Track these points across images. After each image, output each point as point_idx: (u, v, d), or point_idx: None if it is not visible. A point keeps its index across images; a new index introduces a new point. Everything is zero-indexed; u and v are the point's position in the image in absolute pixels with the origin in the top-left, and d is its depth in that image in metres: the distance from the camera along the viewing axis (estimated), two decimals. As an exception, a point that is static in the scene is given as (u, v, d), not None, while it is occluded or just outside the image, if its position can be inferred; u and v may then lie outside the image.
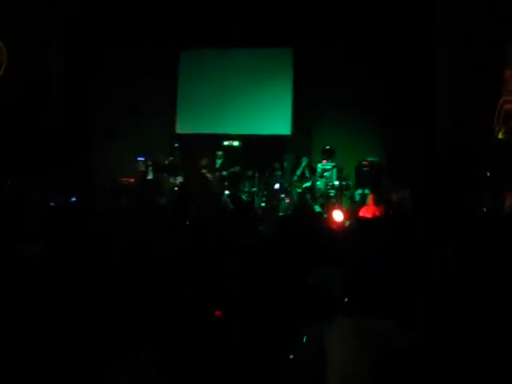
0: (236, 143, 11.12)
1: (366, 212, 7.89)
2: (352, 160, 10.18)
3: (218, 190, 9.90)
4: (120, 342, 2.43)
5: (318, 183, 10.05)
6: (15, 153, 8.88)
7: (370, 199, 8.31)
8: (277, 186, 10.20)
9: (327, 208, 9.29)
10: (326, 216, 8.39)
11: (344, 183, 9.93)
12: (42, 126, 9.92)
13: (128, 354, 2.40)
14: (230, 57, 11.42)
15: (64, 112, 10.39)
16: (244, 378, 2.45)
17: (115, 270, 2.60)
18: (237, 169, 10.63)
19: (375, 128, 10.50)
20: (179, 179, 10.14)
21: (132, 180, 10.11)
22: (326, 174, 10.02)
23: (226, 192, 10.07)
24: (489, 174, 7.38)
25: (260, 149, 10.86)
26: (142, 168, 10.50)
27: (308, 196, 9.90)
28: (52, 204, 6.00)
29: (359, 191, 9.82)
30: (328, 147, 10.16)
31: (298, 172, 10.32)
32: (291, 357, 2.35)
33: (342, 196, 9.89)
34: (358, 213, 8.13)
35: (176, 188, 9.78)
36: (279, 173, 10.47)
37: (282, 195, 10.20)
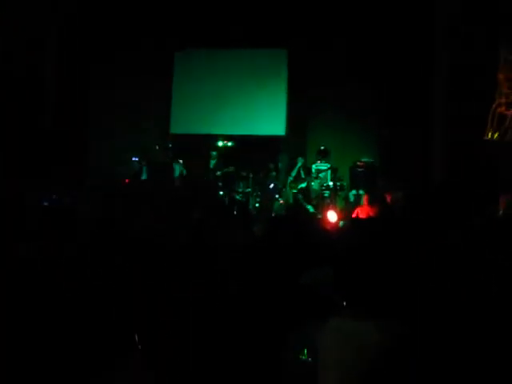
0: (230, 143, 11.12)
1: (360, 213, 7.93)
2: (346, 161, 10.22)
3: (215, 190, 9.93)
4: (120, 341, 2.44)
5: (312, 184, 10.08)
6: (12, 153, 8.85)
7: (364, 200, 8.35)
8: (271, 185, 10.23)
9: (321, 208, 9.32)
10: (320, 216, 8.42)
11: (338, 184, 9.97)
12: (39, 126, 9.90)
13: (128, 353, 2.41)
14: (225, 57, 11.43)
15: (61, 112, 10.37)
16: (241, 378, 2.46)
17: (115, 269, 2.60)
18: (231, 169, 10.65)
19: (370, 129, 10.55)
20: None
21: (127, 180, 10.11)
22: (320, 174, 10.05)
23: (221, 192, 10.10)
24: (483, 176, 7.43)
25: (254, 149, 10.87)
26: (137, 168, 10.50)
27: (300, 196, 9.93)
28: (45, 204, 5.99)
29: (353, 192, 9.87)
30: (323, 148, 10.19)
31: (294, 173, 10.34)
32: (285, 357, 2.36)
33: (336, 196, 9.93)
34: (352, 213, 8.17)
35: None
36: (274, 173, 10.49)
37: (276, 195, 10.23)
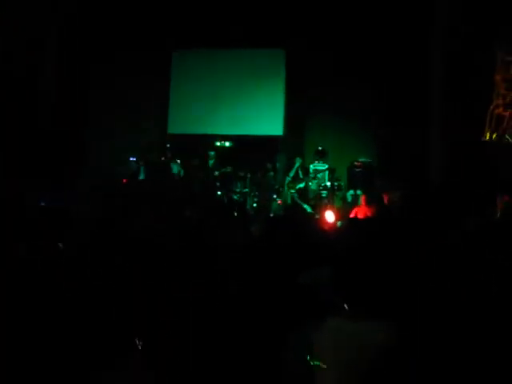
0: (228, 143, 11.12)
1: (357, 213, 7.94)
2: (344, 161, 10.23)
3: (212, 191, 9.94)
4: (120, 341, 2.44)
5: (310, 184, 10.08)
6: (11, 152, 8.84)
7: (361, 200, 8.36)
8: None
9: (319, 209, 9.32)
10: (317, 217, 8.42)
11: (336, 184, 9.97)
12: (39, 126, 9.89)
13: (128, 353, 2.41)
14: (223, 57, 11.42)
15: (60, 112, 10.36)
16: (241, 378, 2.46)
17: (115, 269, 2.60)
18: (229, 169, 10.64)
19: (367, 129, 10.54)
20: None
21: (124, 180, 10.10)
22: (318, 175, 10.05)
23: (218, 192, 10.09)
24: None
25: (252, 149, 10.86)
26: (134, 168, 10.49)
27: (296, 196, 9.93)
28: (42, 204, 5.98)
29: (351, 192, 9.87)
30: (321, 148, 10.19)
31: (292, 173, 10.33)
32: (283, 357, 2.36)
33: (334, 197, 9.93)
34: (349, 213, 8.17)
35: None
36: (272, 173, 10.49)
37: (274, 196, 10.22)
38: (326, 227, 6.36)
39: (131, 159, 10.52)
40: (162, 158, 10.61)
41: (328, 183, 9.96)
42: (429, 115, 9.46)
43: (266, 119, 11.24)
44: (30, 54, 9.74)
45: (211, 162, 10.81)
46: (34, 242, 2.94)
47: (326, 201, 9.81)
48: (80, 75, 10.72)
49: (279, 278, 2.71)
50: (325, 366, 2.09)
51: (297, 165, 10.34)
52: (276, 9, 10.40)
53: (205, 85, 11.38)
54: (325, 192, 9.90)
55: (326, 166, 10.13)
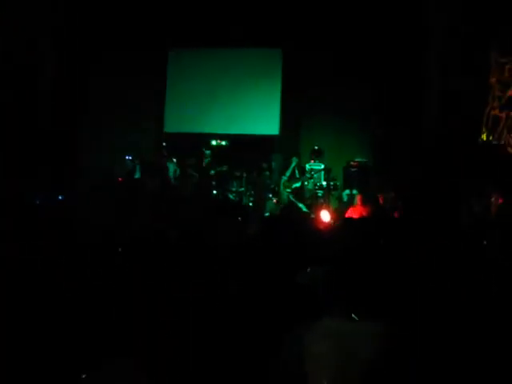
0: (224, 143, 11.12)
1: (353, 212, 7.97)
2: (340, 160, 10.25)
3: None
4: (119, 341, 2.44)
5: (306, 183, 10.10)
6: (11, 152, 8.83)
7: (357, 200, 8.39)
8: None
9: (315, 208, 9.35)
10: (313, 216, 8.44)
11: (332, 183, 9.99)
12: (38, 126, 9.87)
13: (127, 353, 2.41)
14: (219, 56, 11.42)
15: (56, 112, 10.34)
16: (241, 378, 2.47)
17: (115, 269, 2.61)
18: (224, 168, 10.65)
19: (363, 129, 10.56)
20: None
21: (120, 179, 10.08)
22: (314, 174, 10.07)
23: (214, 191, 10.10)
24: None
25: (248, 148, 10.87)
26: (130, 167, 10.48)
27: (291, 195, 9.95)
28: (37, 202, 5.98)
29: (347, 192, 9.90)
30: (317, 147, 10.21)
31: (288, 172, 10.32)
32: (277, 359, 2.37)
33: (329, 196, 9.96)
34: (345, 213, 8.20)
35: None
36: (267, 173, 10.50)
37: (270, 195, 10.24)
38: (322, 227, 6.38)
39: (127, 158, 10.50)
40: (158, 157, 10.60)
41: (324, 183, 9.98)
42: (425, 115, 9.49)
43: (263, 118, 11.25)
44: (30, 54, 9.72)
45: (207, 160, 10.80)
46: (34, 242, 2.95)
47: (321, 200, 9.84)
48: (79, 75, 10.70)
49: (275, 278, 2.72)
50: (321, 367, 2.09)
51: (293, 164, 10.33)
52: (273, 9, 10.40)
53: (201, 84, 11.38)
54: (321, 191, 9.92)
55: (322, 166, 10.14)
